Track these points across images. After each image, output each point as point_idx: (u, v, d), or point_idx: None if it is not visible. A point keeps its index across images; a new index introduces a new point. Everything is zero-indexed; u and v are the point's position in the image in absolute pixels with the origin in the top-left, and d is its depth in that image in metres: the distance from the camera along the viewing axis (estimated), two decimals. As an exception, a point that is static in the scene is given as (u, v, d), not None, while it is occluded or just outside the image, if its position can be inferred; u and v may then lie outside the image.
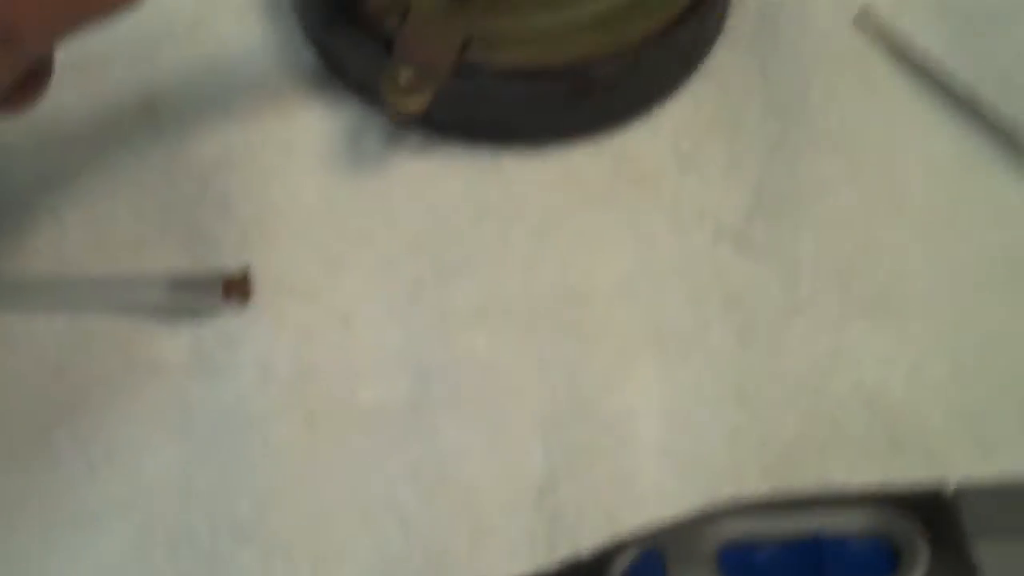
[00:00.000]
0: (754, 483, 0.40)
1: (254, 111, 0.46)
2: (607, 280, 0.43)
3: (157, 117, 0.46)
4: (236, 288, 0.42)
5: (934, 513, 0.41)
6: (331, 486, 0.39)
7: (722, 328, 0.42)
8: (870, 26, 0.49)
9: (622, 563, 0.40)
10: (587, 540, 0.39)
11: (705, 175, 0.46)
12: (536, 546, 0.38)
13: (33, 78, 0.35)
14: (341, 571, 0.38)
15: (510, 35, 0.43)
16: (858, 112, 0.47)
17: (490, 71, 0.43)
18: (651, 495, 0.39)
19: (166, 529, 0.39)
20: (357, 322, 0.42)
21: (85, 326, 0.42)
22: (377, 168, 0.45)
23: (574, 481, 0.40)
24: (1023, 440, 0.41)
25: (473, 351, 0.42)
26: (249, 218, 0.44)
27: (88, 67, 0.46)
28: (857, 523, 0.42)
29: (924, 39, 0.48)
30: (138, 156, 0.45)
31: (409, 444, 0.40)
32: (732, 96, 0.47)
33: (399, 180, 0.45)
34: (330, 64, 0.47)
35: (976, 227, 0.45)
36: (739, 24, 0.49)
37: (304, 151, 0.46)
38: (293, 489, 0.39)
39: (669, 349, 0.42)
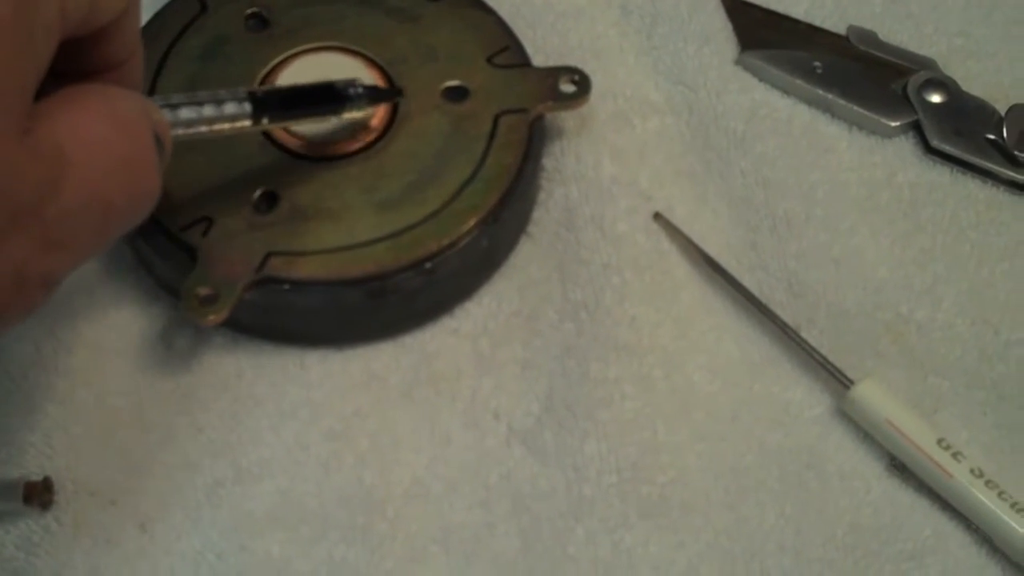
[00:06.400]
0: None
1: (66, 308, 0.47)
2: (401, 481, 0.45)
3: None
4: (36, 495, 0.43)
5: None
6: None
7: (508, 531, 0.44)
8: (664, 229, 0.50)
9: None
10: None
11: (501, 376, 0.47)
12: None
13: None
14: None
15: (308, 251, 0.45)
16: (650, 314, 0.48)
17: (289, 283, 0.44)
18: None
19: None
20: (155, 528, 0.43)
21: None
22: (185, 367, 0.46)
23: None
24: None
25: (268, 558, 0.43)
26: (54, 421, 0.45)
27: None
28: None
29: (716, 242, 0.50)
30: (-55, 353, 0.46)
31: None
32: (531, 297, 0.49)
33: (206, 380, 0.46)
34: (142, 263, 0.48)
35: (755, 430, 0.47)
36: (543, 221, 0.51)
37: (113, 351, 0.46)
38: None
39: (456, 552, 0.44)
